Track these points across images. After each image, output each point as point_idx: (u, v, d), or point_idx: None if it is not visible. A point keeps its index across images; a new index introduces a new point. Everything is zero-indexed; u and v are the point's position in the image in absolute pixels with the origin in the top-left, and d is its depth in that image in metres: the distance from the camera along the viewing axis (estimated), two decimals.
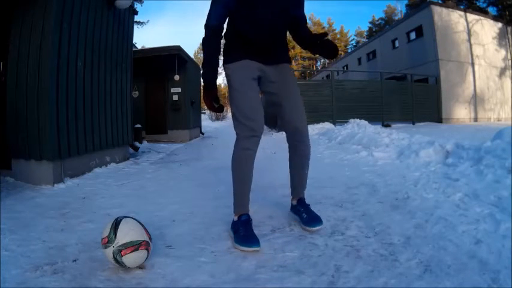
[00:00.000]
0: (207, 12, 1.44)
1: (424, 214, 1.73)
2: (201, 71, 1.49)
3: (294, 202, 1.70)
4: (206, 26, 1.44)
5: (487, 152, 2.46)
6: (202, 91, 1.49)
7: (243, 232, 1.41)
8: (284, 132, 1.63)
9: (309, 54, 38.41)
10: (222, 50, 1.58)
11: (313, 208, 1.67)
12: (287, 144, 1.65)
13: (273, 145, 6.05)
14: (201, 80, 1.51)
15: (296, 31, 1.58)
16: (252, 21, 1.44)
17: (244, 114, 1.43)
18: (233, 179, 1.51)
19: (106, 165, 3.72)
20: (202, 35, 1.47)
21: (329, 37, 1.42)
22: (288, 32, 1.62)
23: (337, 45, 1.59)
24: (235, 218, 1.50)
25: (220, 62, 1.57)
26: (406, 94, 10.72)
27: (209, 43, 1.44)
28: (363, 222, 1.67)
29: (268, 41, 1.48)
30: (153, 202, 2.23)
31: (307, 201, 1.70)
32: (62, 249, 1.40)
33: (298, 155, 1.62)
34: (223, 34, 1.50)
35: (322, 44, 1.41)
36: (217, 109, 1.46)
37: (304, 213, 1.60)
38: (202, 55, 1.49)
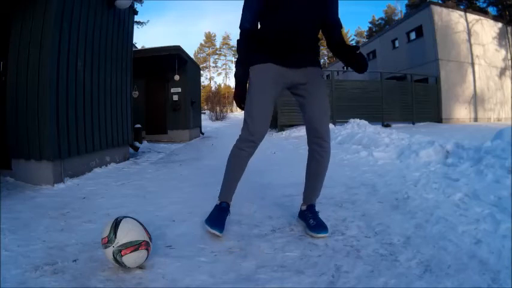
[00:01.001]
0: (240, 15, 1.49)
1: (424, 214, 1.73)
2: (234, 70, 1.55)
3: (304, 207, 1.67)
4: (240, 29, 1.50)
5: (487, 152, 2.46)
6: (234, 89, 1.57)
7: (215, 216, 1.57)
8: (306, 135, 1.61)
9: None
10: None
11: None
12: (307, 147, 1.63)
13: (273, 145, 6.05)
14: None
15: (328, 37, 1.58)
16: (276, 24, 1.45)
17: (249, 116, 1.49)
18: (225, 169, 1.63)
19: (106, 165, 3.72)
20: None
21: (360, 51, 1.43)
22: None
23: (341, 32, 1.58)
24: (218, 202, 1.63)
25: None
26: (406, 94, 10.71)
27: (242, 45, 1.50)
28: (363, 222, 1.67)
29: (293, 44, 1.46)
30: (153, 202, 2.23)
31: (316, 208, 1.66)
32: (62, 249, 1.40)
33: (316, 161, 1.57)
34: None
35: (353, 58, 1.45)
36: (244, 108, 1.53)
37: (312, 219, 1.56)
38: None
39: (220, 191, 1.64)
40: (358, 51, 1.42)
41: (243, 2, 1.51)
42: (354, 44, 1.50)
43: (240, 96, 1.52)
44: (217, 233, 1.51)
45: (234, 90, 1.55)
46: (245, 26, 1.48)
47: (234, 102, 1.56)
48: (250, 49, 1.51)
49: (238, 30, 1.52)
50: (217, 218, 1.56)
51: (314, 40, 1.54)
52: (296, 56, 1.48)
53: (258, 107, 1.48)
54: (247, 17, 1.48)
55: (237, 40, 1.54)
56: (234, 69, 1.53)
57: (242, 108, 1.53)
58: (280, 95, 1.60)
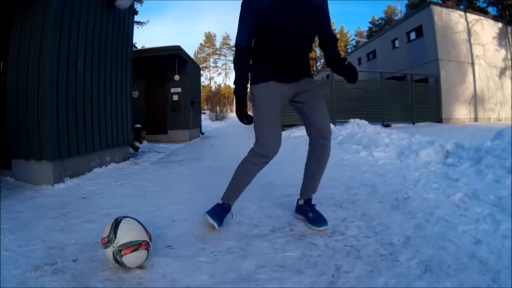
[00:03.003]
0: (236, 32, 1.51)
1: (424, 214, 1.73)
2: (233, 88, 1.58)
3: (301, 202, 1.74)
4: (236, 46, 1.52)
5: (487, 152, 2.46)
6: (234, 106, 1.60)
7: (217, 211, 1.65)
8: (308, 136, 1.67)
9: None
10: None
11: None
12: (307, 147, 1.69)
13: None
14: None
15: (325, 49, 1.65)
16: (275, 43, 1.47)
17: (261, 134, 1.53)
18: (232, 176, 1.67)
19: (106, 165, 3.72)
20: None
21: (348, 61, 1.55)
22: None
23: (337, 45, 1.65)
24: (220, 202, 1.68)
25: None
26: (406, 94, 10.71)
27: (239, 62, 1.52)
28: (363, 222, 1.67)
29: (292, 61, 1.52)
30: (153, 202, 2.23)
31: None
32: (62, 249, 1.40)
33: (317, 159, 1.64)
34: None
35: (343, 69, 1.56)
36: (247, 123, 1.56)
37: (311, 213, 1.65)
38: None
39: (224, 192, 1.68)
40: (346, 63, 1.55)
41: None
42: (342, 56, 1.62)
43: (242, 113, 1.53)
44: (215, 224, 1.59)
45: (235, 107, 1.59)
46: (241, 44, 1.49)
47: (238, 119, 1.59)
48: (248, 65, 1.53)
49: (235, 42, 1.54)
50: (219, 213, 1.64)
51: (308, 55, 1.63)
52: (294, 71, 1.54)
53: (268, 125, 1.53)
54: (242, 36, 1.49)
55: (234, 57, 1.57)
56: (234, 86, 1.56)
57: (245, 123, 1.56)
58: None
